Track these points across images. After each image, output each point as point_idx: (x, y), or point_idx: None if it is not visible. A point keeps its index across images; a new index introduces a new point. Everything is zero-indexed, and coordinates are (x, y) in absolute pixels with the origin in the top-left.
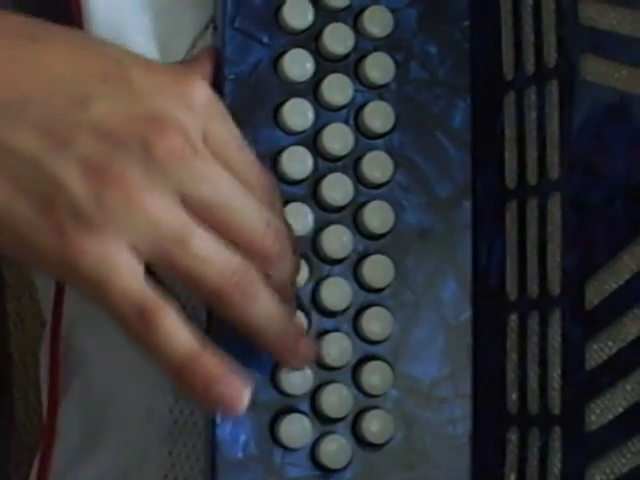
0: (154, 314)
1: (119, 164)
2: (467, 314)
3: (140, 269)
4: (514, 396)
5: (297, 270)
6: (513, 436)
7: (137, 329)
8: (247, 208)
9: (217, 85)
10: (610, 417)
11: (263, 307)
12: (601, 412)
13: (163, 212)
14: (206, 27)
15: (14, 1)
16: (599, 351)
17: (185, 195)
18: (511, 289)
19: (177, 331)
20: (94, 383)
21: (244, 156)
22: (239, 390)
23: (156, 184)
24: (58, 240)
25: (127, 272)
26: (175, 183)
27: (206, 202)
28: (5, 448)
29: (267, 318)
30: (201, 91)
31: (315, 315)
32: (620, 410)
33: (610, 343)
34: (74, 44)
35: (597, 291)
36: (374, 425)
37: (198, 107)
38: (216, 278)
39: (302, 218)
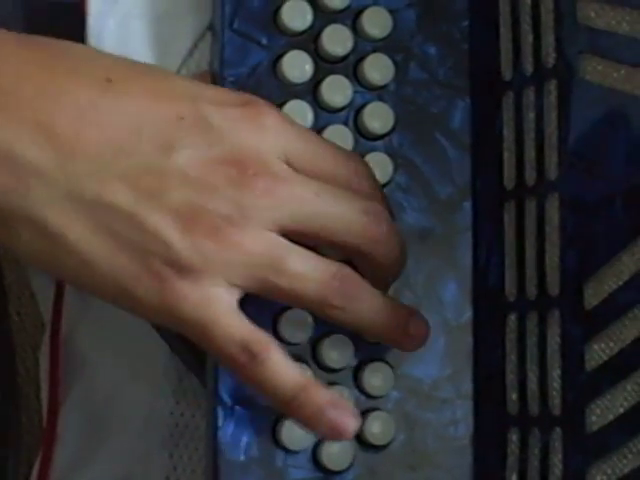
0: (260, 350)
1: (209, 209)
2: (467, 315)
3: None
4: (514, 397)
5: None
6: (514, 437)
7: (244, 366)
8: (342, 211)
9: None
10: (611, 418)
11: (367, 305)
12: (602, 413)
13: (256, 245)
14: (208, 28)
15: (24, 12)
16: (599, 352)
17: (281, 224)
18: (510, 290)
19: (284, 364)
20: (95, 386)
21: (328, 158)
22: (348, 417)
23: (248, 222)
24: (158, 289)
25: (228, 312)
26: (267, 216)
27: (302, 223)
28: (5, 449)
29: (373, 314)
30: (271, 115)
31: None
32: (621, 410)
33: (611, 344)
34: (147, 84)
35: (596, 291)
36: (375, 426)
37: (272, 133)
38: (315, 291)
39: None
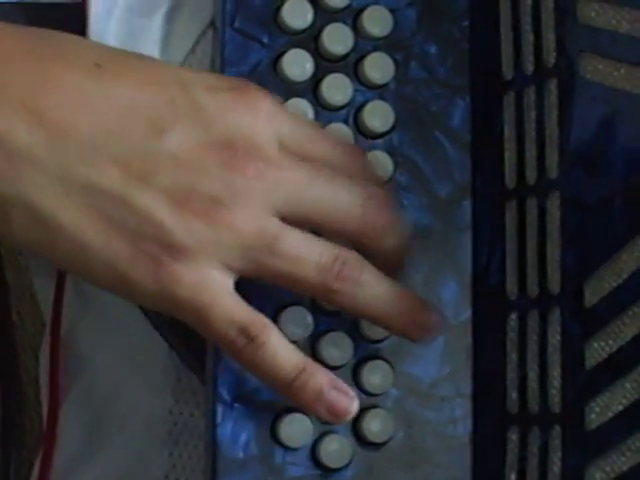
0: (259, 333)
1: (200, 190)
2: (467, 314)
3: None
4: (514, 395)
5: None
6: (513, 435)
7: (243, 349)
8: (339, 194)
9: None
10: (610, 415)
11: (371, 290)
12: (601, 410)
13: (247, 226)
14: (209, 25)
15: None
16: (599, 350)
17: (275, 208)
18: (511, 288)
19: (283, 347)
20: (95, 385)
21: (323, 143)
22: (348, 398)
23: (239, 203)
24: (154, 272)
25: (225, 294)
26: (259, 198)
27: (297, 208)
28: (8, 449)
29: (378, 300)
30: (263, 100)
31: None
32: (620, 408)
33: (610, 342)
34: (137, 69)
35: (596, 290)
36: (374, 424)
37: (265, 117)
38: (315, 274)
39: None
